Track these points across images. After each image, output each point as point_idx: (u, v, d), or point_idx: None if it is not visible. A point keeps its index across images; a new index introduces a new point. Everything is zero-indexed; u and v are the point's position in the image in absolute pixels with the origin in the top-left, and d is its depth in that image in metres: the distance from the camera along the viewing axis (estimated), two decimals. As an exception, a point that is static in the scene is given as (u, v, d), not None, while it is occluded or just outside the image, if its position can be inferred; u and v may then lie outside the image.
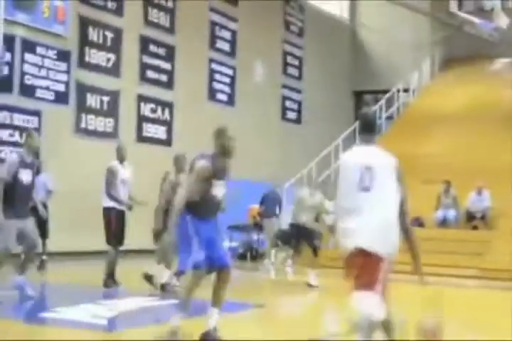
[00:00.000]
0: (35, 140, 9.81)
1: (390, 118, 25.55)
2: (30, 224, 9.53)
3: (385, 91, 25.96)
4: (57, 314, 8.24)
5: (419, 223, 18.06)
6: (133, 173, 11.36)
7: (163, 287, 10.71)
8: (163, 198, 10.86)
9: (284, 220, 17.62)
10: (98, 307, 8.72)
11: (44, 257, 13.55)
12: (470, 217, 17.91)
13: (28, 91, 16.65)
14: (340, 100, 28.35)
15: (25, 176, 9.50)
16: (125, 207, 11.14)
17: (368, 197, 5.35)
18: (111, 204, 11.05)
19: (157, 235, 10.99)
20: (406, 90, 26.42)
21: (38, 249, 10.17)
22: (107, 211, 11.10)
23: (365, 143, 5.72)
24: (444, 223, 17.88)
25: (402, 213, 5.55)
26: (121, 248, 11.27)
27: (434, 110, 24.53)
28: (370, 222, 5.29)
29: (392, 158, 5.70)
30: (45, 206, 12.89)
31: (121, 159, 11.31)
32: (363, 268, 5.33)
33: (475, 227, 17.80)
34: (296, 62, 26.29)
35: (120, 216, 11.10)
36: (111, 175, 11.04)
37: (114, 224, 11.03)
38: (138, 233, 12.28)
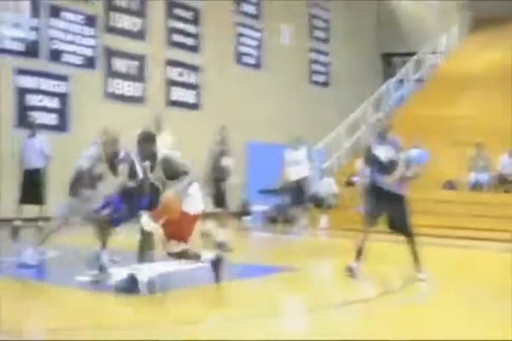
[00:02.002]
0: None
1: (418, 80, 25.26)
2: None
3: (413, 54, 25.64)
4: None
5: (450, 186, 17.93)
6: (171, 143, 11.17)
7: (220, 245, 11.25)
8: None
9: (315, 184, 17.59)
10: (129, 271, 8.69)
11: (40, 223, 12.66)
12: (502, 180, 17.71)
13: (55, 56, 16.61)
14: (368, 63, 28.04)
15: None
16: None
17: None
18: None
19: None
20: (434, 53, 26.08)
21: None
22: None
23: None
24: (476, 186, 17.71)
25: None
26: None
27: (463, 72, 24.23)
28: None
29: None
30: (42, 172, 12.77)
31: (157, 130, 11.16)
32: None
33: (507, 191, 17.61)
34: (324, 25, 25.98)
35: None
36: None
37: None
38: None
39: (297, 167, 14.69)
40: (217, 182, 11.68)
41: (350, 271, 8.72)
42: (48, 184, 12.96)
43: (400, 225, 8.92)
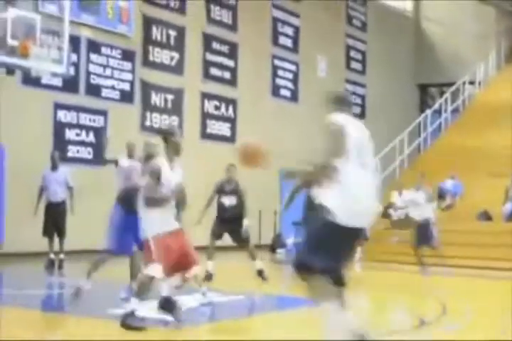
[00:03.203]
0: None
1: (455, 111, 25.20)
2: None
3: (451, 84, 25.61)
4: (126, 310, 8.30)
5: (486, 217, 17.81)
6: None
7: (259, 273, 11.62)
8: None
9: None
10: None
11: (61, 256, 12.94)
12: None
13: (93, 90, 16.94)
14: (404, 94, 28.09)
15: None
16: None
17: None
18: None
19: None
20: (472, 82, 26.02)
21: None
22: None
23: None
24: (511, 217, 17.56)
25: None
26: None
27: (500, 102, 24.08)
28: None
29: None
30: (64, 203, 12.91)
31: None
32: None
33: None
34: (360, 57, 26.15)
35: None
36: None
37: None
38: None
39: (420, 208, 14.61)
40: (224, 221, 11.68)
41: None
42: (75, 216, 13.15)
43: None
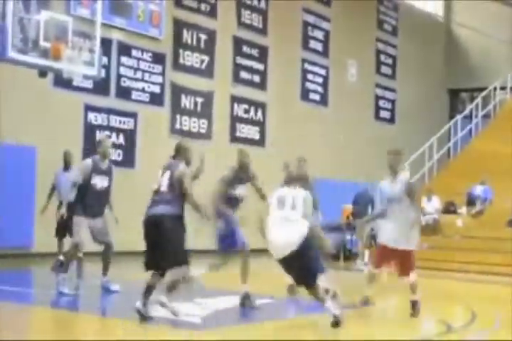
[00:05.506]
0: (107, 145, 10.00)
1: (486, 116, 25.00)
2: (98, 224, 9.96)
3: (482, 89, 25.43)
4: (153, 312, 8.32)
5: (515, 223, 17.64)
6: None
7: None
8: None
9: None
10: (192, 305, 8.80)
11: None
12: None
13: (124, 93, 17.02)
14: (435, 99, 27.92)
15: (100, 181, 9.93)
16: None
17: None
18: None
19: None
20: (503, 88, 25.80)
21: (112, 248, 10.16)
22: None
23: None
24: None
25: None
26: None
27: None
28: None
29: None
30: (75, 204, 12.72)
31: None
32: None
33: None
34: (390, 61, 26.04)
35: None
36: None
37: None
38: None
39: None
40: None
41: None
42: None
43: None
